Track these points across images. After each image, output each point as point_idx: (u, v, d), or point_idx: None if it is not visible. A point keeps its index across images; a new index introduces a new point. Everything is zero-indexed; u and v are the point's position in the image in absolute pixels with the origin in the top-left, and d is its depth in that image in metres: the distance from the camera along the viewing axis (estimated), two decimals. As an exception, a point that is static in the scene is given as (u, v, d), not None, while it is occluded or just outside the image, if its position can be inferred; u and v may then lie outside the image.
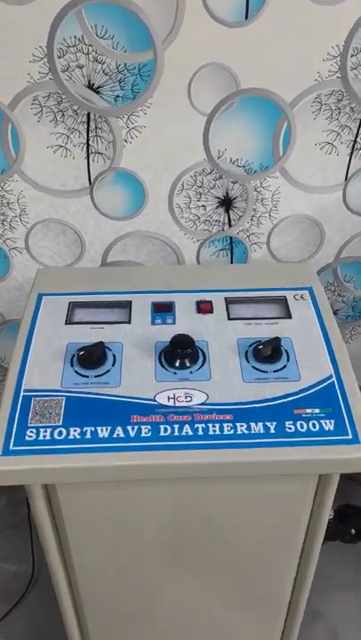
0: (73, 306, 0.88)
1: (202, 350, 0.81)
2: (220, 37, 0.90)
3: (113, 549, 0.83)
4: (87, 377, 0.77)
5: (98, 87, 0.97)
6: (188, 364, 0.78)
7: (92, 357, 0.76)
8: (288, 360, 0.78)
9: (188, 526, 0.81)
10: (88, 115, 0.99)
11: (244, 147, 1.03)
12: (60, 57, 0.92)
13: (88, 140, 1.03)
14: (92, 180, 1.07)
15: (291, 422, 0.72)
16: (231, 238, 1.17)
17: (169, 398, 0.74)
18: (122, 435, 0.71)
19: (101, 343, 0.78)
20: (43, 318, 0.85)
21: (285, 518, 0.80)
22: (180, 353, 0.77)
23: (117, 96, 0.97)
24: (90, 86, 0.96)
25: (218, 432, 0.71)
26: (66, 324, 0.85)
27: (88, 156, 1.05)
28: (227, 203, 1.12)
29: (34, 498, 0.72)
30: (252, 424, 0.72)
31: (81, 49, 0.92)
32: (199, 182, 1.08)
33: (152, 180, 1.07)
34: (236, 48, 0.91)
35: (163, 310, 0.87)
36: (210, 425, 0.71)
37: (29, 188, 1.08)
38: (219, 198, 1.11)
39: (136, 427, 0.71)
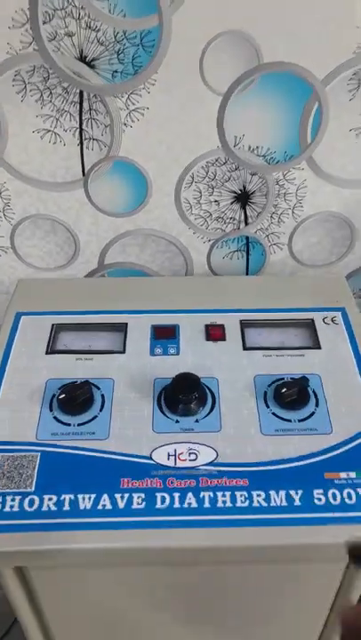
0: (57, 329, 0.73)
1: (210, 391, 0.66)
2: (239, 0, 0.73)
3: (101, 628, 0.70)
4: (69, 425, 0.63)
5: (92, 60, 0.80)
6: (193, 411, 0.64)
7: (75, 401, 0.63)
8: (317, 405, 0.64)
9: (189, 607, 0.68)
10: (80, 93, 0.83)
11: (265, 132, 0.87)
12: (45, 22, 0.76)
13: (81, 124, 0.87)
14: (85, 171, 0.92)
15: (321, 491, 0.58)
16: (248, 238, 1.01)
17: (169, 456, 0.60)
18: (108, 506, 0.57)
19: (87, 383, 0.64)
20: (19, 345, 0.70)
21: (307, 599, 0.67)
22: (184, 398, 0.62)
23: (115, 71, 0.81)
24: (82, 59, 0.80)
25: (229, 503, 0.57)
26: (47, 352, 0.70)
27: (81, 143, 0.89)
28: (243, 198, 0.96)
29: (4, 578, 0.59)
30: (272, 493, 0.58)
31: (71, 12, 0.76)
32: (212, 174, 0.92)
33: (156, 170, 0.91)
34: (259, 13, 0.75)
35: (164, 336, 0.72)
36: (219, 494, 0.57)
37: (13, 180, 0.93)
38: (234, 193, 0.95)
39: (127, 495, 0.57)
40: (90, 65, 0.81)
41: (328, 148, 0.90)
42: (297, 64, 0.81)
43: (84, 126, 0.87)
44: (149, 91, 0.83)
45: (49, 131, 0.88)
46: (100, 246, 1.02)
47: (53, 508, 0.56)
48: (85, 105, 0.85)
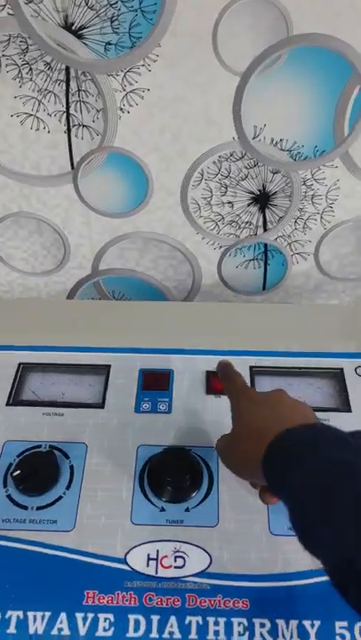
0: (24, 369, 0.59)
1: (207, 467, 0.52)
2: None
3: None
4: (25, 508, 0.49)
5: (80, 29, 0.65)
6: (184, 495, 0.50)
7: (34, 478, 0.49)
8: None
9: None
10: (67, 70, 0.68)
11: (291, 122, 0.71)
12: (19, -21, 0.61)
13: (68, 108, 0.72)
14: (75, 164, 0.77)
15: (344, 624, 0.43)
16: (266, 246, 0.86)
17: (149, 560, 0.47)
18: (65, 630, 0.44)
19: (51, 454, 0.50)
20: (-25, 392, 0.56)
21: None
22: (173, 481, 0.48)
23: (109, 43, 0.65)
24: (68, 27, 0.65)
25: (223, 637, 0.43)
26: (9, 403, 0.57)
27: (69, 130, 0.74)
28: (263, 199, 0.80)
29: None
30: (280, 623, 0.44)
31: (51, -33, 0.60)
32: (225, 170, 0.77)
33: (158, 165, 0.76)
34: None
35: (155, 386, 0.58)
36: (210, 620, 0.44)
37: (-10, 172, 0.79)
38: (252, 193, 0.79)
39: (91, 615, 0.44)
40: (77, 35, 0.66)
41: (369, 143, 0.73)
42: (334, 36, 0.64)
43: (71, 110, 0.72)
44: (150, 68, 0.67)
45: (30, 115, 0.73)
46: (94, 250, 0.88)
47: (-6, 628, 0.44)
48: (73, 84, 0.70)
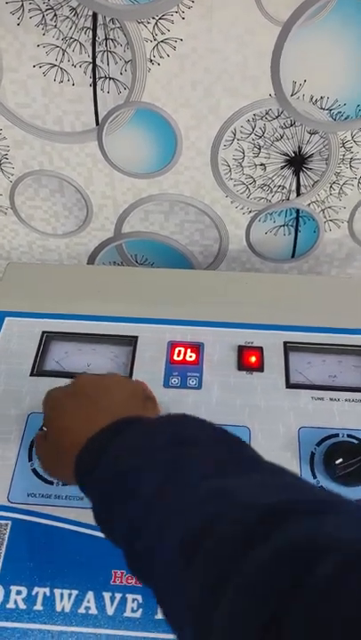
0: (47, 338, 0.57)
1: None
2: None
3: None
4: (51, 484, 0.48)
5: (109, -30, 0.60)
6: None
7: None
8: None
9: None
10: (94, 17, 0.63)
11: (333, 78, 0.66)
12: None
13: (94, 59, 0.67)
14: (100, 120, 0.73)
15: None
16: (298, 211, 0.82)
17: (179, 539, 0.45)
18: (93, 610, 0.43)
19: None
20: (-1, 361, 0.55)
21: None
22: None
23: (140, -14, 0.60)
24: (95, -32, 0.59)
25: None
26: (32, 373, 0.55)
27: (94, 83, 0.69)
28: (298, 162, 0.75)
29: None
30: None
31: None
32: (260, 130, 0.72)
33: (188, 122, 0.72)
34: None
35: (184, 360, 0.55)
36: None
37: (11, 127, 0.75)
38: (287, 155, 0.75)
39: (118, 595, 0.43)
40: (106, -24, 0.60)
41: None
42: (391, -17, 0.58)
43: (97, 61, 0.67)
44: (184, 16, 0.62)
45: (54, 65, 0.69)
46: (118, 212, 0.84)
47: (22, 605, 0.43)
48: (100, 32, 0.65)
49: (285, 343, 0.58)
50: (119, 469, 0.36)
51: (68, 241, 0.89)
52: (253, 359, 0.56)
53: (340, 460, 0.47)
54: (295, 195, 0.80)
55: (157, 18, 0.63)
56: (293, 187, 0.79)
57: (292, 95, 0.69)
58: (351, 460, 0.47)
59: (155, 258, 0.90)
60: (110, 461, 0.36)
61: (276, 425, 0.52)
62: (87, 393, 0.44)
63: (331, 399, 0.54)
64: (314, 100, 0.69)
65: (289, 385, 0.55)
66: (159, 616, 0.43)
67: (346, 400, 0.54)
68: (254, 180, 0.78)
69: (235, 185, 0.79)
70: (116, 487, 0.35)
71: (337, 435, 0.51)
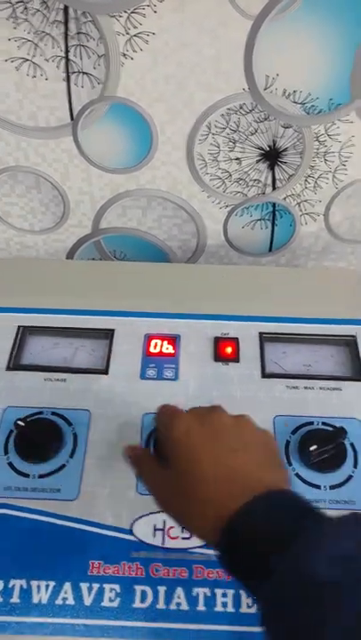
0: (23, 333, 0.57)
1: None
2: None
3: None
4: (27, 476, 0.48)
5: None
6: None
7: (36, 445, 0.47)
8: (355, 466, 0.48)
9: None
10: (65, 10, 0.63)
11: (306, 72, 0.67)
12: None
13: (67, 53, 0.67)
14: (74, 115, 0.72)
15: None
16: (275, 205, 0.82)
17: (155, 530, 0.46)
18: (70, 600, 0.43)
19: (52, 424, 0.48)
20: (-28, 356, 0.54)
21: None
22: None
23: (111, -20, 0.60)
24: None
25: (231, 608, 0.42)
26: (8, 367, 0.54)
27: (68, 78, 0.69)
28: (273, 156, 0.76)
29: None
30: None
31: None
32: (234, 124, 0.72)
33: (163, 117, 0.72)
34: None
35: (161, 352, 0.55)
36: (218, 592, 0.43)
37: (-16, 123, 0.74)
38: (261, 149, 0.75)
39: (96, 586, 0.43)
40: (77, -30, 0.60)
41: (388, 96, 0.69)
42: (359, -23, 0.59)
43: (70, 55, 0.67)
44: (156, 9, 0.62)
45: (26, 60, 0.68)
46: (95, 208, 0.84)
47: (-2, 598, 0.43)
48: (72, 26, 0.65)
49: (261, 334, 0.58)
50: (314, 579, 0.29)
51: (45, 237, 0.89)
52: (229, 350, 0.57)
53: (315, 447, 0.48)
54: (271, 189, 0.80)
55: (129, 11, 0.63)
56: (269, 181, 0.79)
57: (265, 89, 0.69)
58: (325, 446, 0.48)
59: (133, 253, 0.90)
60: (295, 564, 0.30)
61: (252, 414, 0.52)
62: (230, 443, 0.38)
63: (305, 388, 0.54)
64: (287, 93, 0.70)
65: (264, 375, 0.56)
66: (137, 605, 0.43)
67: (320, 388, 0.54)
68: (230, 175, 0.79)
69: (211, 179, 0.79)
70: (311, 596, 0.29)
71: (312, 422, 0.52)
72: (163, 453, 0.41)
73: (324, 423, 0.52)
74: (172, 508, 0.38)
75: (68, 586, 0.44)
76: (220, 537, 0.33)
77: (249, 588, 0.33)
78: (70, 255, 0.91)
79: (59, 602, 0.43)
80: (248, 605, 0.43)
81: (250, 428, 0.40)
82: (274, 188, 0.80)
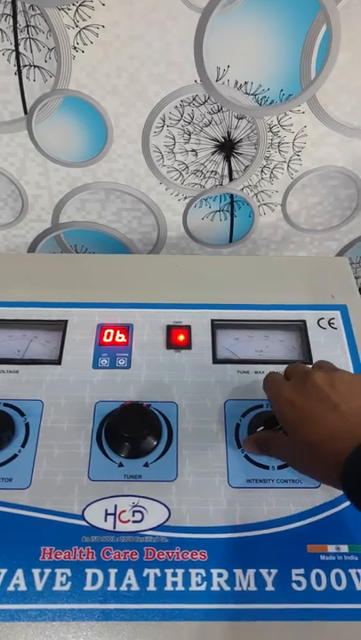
0: (-24, 327, 0.57)
1: (167, 422, 0.51)
2: None
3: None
4: (-24, 466, 0.48)
5: None
6: (142, 451, 0.49)
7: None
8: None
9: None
10: (13, 3, 0.63)
11: (256, 64, 0.67)
12: None
13: (17, 46, 0.67)
14: (28, 109, 0.72)
15: (300, 571, 0.44)
16: (232, 197, 0.83)
17: (107, 515, 0.46)
18: (22, 586, 0.43)
19: (5, 412, 0.48)
20: None
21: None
22: (130, 438, 0.47)
23: (57, -28, 0.60)
24: None
25: (181, 587, 0.43)
26: None
27: (20, 71, 0.69)
28: (228, 147, 0.77)
29: None
30: (238, 572, 0.44)
31: None
32: (188, 116, 0.73)
33: (118, 110, 0.72)
34: None
35: (113, 342, 0.56)
36: (168, 571, 0.44)
37: None
38: (216, 140, 0.76)
39: (47, 571, 0.44)
40: None
41: (336, 86, 0.70)
42: (302, -31, 0.60)
43: (21, 49, 0.67)
44: (104, 2, 0.62)
45: (-24, 54, 0.68)
46: (53, 202, 0.84)
47: None
48: (21, 19, 0.65)
49: (213, 321, 0.59)
50: None
51: (5, 233, 0.88)
52: (182, 338, 0.57)
53: (262, 427, 0.49)
54: (228, 180, 0.81)
55: (78, 4, 0.63)
56: (225, 172, 0.80)
57: (217, 81, 0.70)
58: (272, 427, 0.49)
59: (94, 247, 0.91)
60: None
61: (203, 399, 0.53)
62: (330, 400, 0.43)
63: (256, 372, 0.55)
64: (238, 85, 0.70)
65: (216, 361, 0.57)
66: (88, 588, 0.44)
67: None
68: (187, 167, 0.79)
69: (168, 172, 0.80)
70: None
71: (261, 405, 0.53)
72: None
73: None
74: (300, 464, 0.44)
75: (19, 572, 0.44)
76: (343, 471, 0.39)
77: None
78: (32, 250, 0.91)
79: (10, 588, 0.44)
80: (197, 583, 0.44)
81: (345, 380, 0.45)
82: (231, 180, 0.81)
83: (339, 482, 0.40)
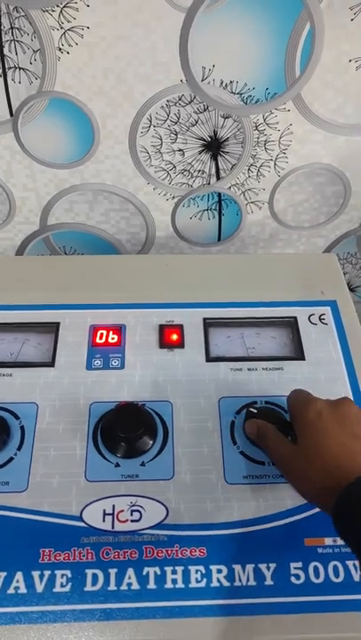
0: (-32, 330, 0.57)
1: (163, 421, 0.51)
2: None
3: None
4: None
5: None
6: (138, 450, 0.49)
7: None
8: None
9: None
10: (-3, 5, 0.63)
11: (242, 63, 0.68)
12: None
13: (1, 48, 0.66)
14: (13, 111, 0.72)
15: (299, 564, 0.45)
16: (220, 195, 0.84)
17: (105, 515, 0.47)
18: (22, 589, 0.43)
19: (0, 415, 0.48)
20: None
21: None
22: (126, 437, 0.48)
23: (41, -26, 0.60)
24: None
25: (181, 584, 0.44)
26: None
27: (5, 73, 0.69)
28: (214, 146, 0.77)
29: None
30: (237, 568, 0.44)
31: None
32: (175, 116, 0.73)
33: (104, 111, 0.72)
34: None
35: (106, 343, 0.56)
36: (168, 569, 0.44)
37: None
38: (203, 140, 0.76)
39: (47, 573, 0.44)
40: (5, -36, 0.60)
41: (321, 84, 0.71)
42: (285, -32, 0.60)
43: (5, 51, 0.67)
44: (88, 3, 0.62)
45: None
46: (41, 204, 0.84)
47: None
48: (4, 21, 0.64)
49: (205, 319, 0.59)
50: None
51: (-7, 236, 0.88)
52: (174, 337, 0.58)
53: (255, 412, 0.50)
54: (215, 179, 0.82)
55: (62, 6, 0.63)
56: (213, 171, 0.81)
57: (202, 80, 0.70)
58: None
59: (83, 248, 0.90)
60: None
61: (198, 398, 0.54)
62: (354, 430, 0.44)
63: (249, 369, 0.56)
64: (224, 84, 0.71)
65: (209, 359, 0.57)
66: (88, 588, 0.44)
67: (263, 369, 0.56)
68: (174, 166, 0.80)
69: (156, 172, 0.80)
70: None
71: (255, 402, 0.53)
72: (291, 431, 0.48)
73: (267, 402, 0.53)
74: (294, 474, 0.45)
75: (19, 575, 0.44)
76: (337, 499, 0.39)
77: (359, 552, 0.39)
78: (20, 253, 0.90)
79: (11, 591, 0.44)
80: (197, 580, 0.45)
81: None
82: (218, 178, 0.82)
83: (327, 502, 0.40)
